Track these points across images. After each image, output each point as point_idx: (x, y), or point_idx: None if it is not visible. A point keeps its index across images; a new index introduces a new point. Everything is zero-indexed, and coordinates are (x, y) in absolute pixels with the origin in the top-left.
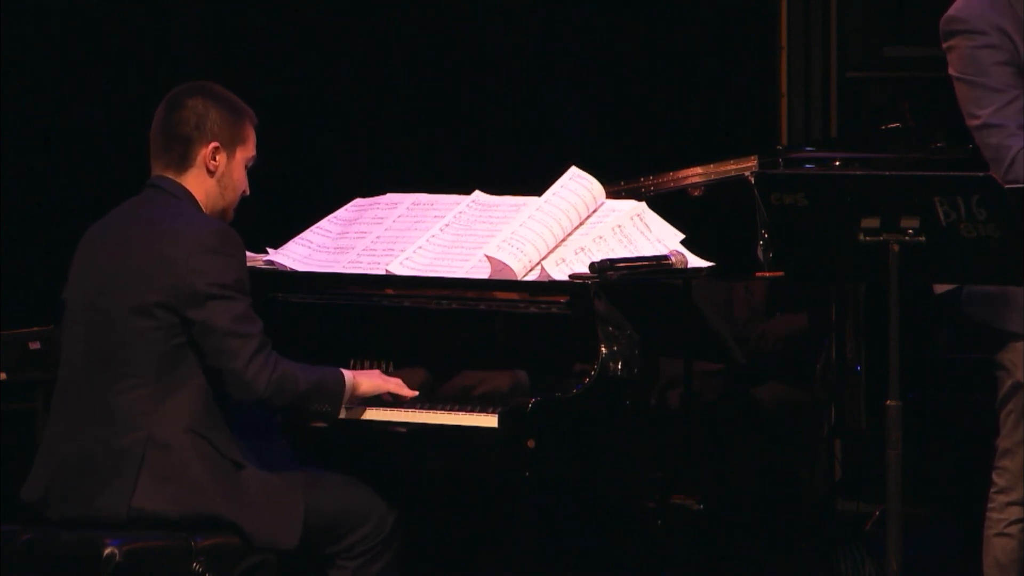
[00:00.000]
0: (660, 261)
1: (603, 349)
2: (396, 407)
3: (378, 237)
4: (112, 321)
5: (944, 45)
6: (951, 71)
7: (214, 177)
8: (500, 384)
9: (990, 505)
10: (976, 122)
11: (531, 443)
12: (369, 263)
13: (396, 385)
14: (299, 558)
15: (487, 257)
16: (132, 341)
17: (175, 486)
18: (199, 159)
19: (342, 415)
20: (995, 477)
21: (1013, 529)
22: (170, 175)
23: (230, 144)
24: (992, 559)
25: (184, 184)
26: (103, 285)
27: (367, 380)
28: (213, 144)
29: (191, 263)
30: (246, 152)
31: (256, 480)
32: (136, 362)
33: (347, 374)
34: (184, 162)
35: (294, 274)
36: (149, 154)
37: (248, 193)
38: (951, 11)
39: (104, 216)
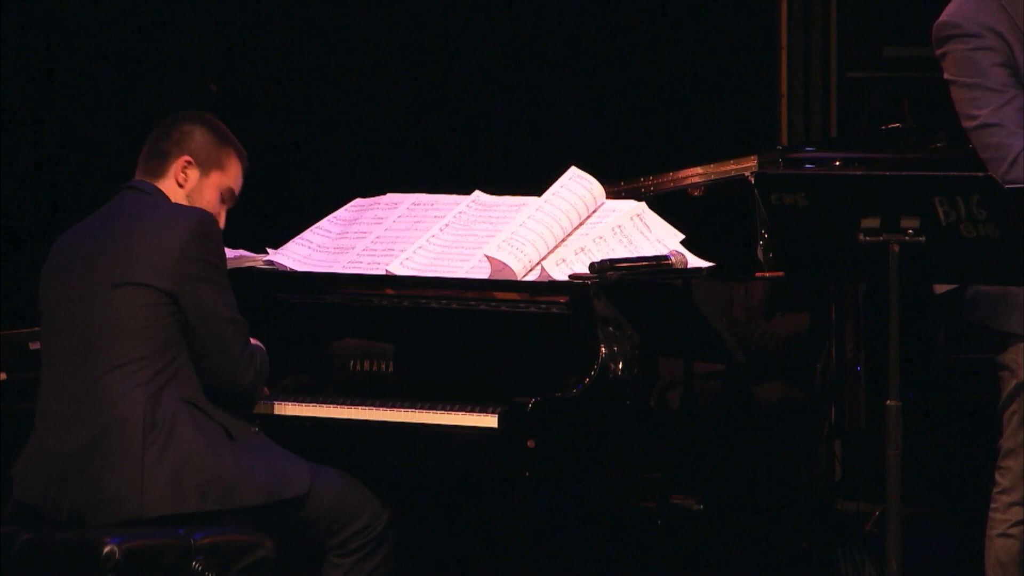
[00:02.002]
0: (660, 261)
1: (603, 349)
2: (393, 407)
3: (378, 237)
4: (101, 305)
5: (938, 51)
6: (947, 75)
7: (183, 191)
8: (500, 384)
9: (993, 505)
10: (974, 123)
11: (531, 443)
12: (369, 263)
13: None
14: (294, 553)
15: (487, 257)
16: (123, 323)
17: (177, 461)
18: (171, 170)
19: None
20: (998, 477)
21: (1016, 530)
22: (147, 179)
23: (205, 163)
24: (994, 559)
25: (160, 187)
26: (89, 277)
27: None
28: (185, 158)
29: (187, 247)
30: (223, 179)
31: (250, 444)
32: (129, 344)
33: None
34: (158, 170)
35: (294, 274)
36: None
37: (221, 227)
38: (943, 17)
39: (79, 223)
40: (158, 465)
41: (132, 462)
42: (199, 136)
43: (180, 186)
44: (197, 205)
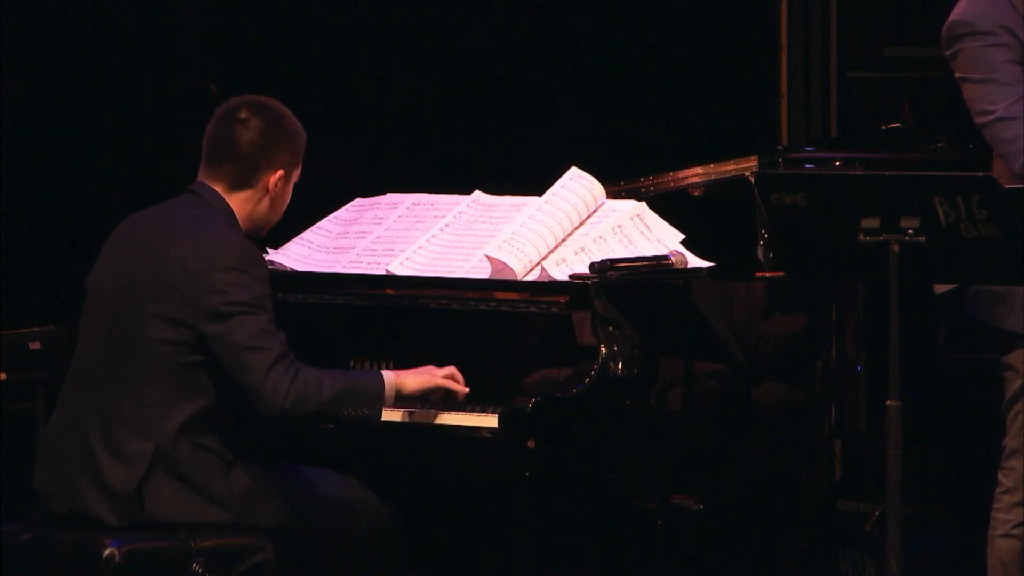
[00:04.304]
0: (660, 261)
1: (603, 349)
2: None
3: (378, 237)
4: (130, 324)
5: (948, 51)
6: (958, 74)
7: (268, 197)
8: (500, 384)
9: (995, 505)
10: (989, 118)
11: (531, 443)
12: (369, 263)
13: (446, 378)
14: (296, 556)
15: (487, 257)
16: (147, 350)
17: (177, 495)
18: (261, 184)
19: (384, 418)
20: (1001, 477)
21: (1019, 531)
22: (217, 188)
23: (290, 168)
24: (996, 559)
25: (229, 200)
26: (126, 284)
27: (413, 378)
28: (280, 172)
29: (211, 282)
30: (298, 172)
31: (250, 479)
32: (149, 372)
33: (388, 375)
34: (242, 182)
35: (294, 274)
36: (201, 156)
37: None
38: (954, 16)
39: (143, 210)
40: (155, 494)
41: (129, 484)
42: (284, 143)
43: (270, 195)
44: (278, 207)
